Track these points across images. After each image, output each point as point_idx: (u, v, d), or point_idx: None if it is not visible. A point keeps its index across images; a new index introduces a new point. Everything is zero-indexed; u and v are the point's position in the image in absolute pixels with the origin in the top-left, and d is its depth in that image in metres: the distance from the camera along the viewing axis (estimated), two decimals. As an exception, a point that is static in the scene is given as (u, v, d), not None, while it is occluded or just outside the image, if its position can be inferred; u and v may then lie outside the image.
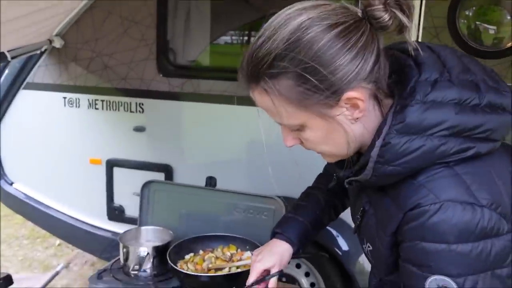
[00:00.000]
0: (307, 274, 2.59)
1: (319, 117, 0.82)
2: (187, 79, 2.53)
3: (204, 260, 1.59)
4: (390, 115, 0.80)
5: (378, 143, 0.80)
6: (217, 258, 1.61)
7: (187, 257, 1.63)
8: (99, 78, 2.67)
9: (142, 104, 2.62)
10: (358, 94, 0.79)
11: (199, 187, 1.84)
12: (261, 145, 2.42)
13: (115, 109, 2.68)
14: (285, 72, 0.78)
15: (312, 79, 0.77)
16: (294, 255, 1.24)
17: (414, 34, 2.15)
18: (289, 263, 1.24)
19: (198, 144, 2.61)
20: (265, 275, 1.19)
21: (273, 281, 1.19)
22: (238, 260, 1.59)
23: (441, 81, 0.78)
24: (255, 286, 1.19)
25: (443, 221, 0.74)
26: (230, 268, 1.53)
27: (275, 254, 1.20)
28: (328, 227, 2.40)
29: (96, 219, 2.87)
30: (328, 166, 1.35)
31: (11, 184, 3.07)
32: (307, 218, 1.25)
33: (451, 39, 2.11)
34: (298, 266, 2.60)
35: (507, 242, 0.76)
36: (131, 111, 2.65)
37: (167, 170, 2.65)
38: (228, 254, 1.63)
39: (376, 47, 0.79)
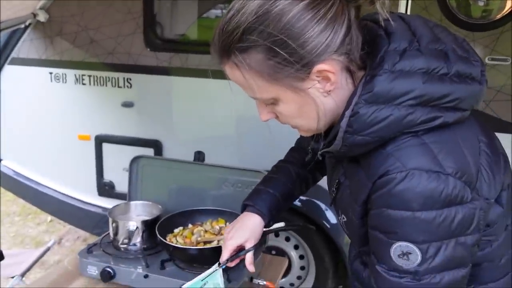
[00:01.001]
0: (296, 247, 2.64)
1: (290, 90, 0.82)
2: (175, 53, 2.50)
3: (193, 234, 1.60)
4: (360, 86, 0.80)
5: (347, 113, 0.81)
6: (206, 231, 1.63)
7: (176, 230, 1.64)
8: (86, 52, 2.63)
9: (130, 79, 2.60)
10: (329, 66, 0.79)
11: (187, 162, 1.84)
12: (249, 119, 2.43)
13: (103, 85, 2.65)
14: (254, 46, 0.78)
15: (282, 53, 0.77)
16: (266, 227, 1.25)
17: (403, 7, 2.13)
18: (263, 235, 1.24)
19: (186, 119, 2.60)
20: (238, 251, 1.20)
21: (249, 256, 1.20)
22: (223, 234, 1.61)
23: (409, 50, 0.78)
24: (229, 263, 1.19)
25: (408, 189, 0.75)
26: (218, 241, 1.54)
27: (247, 229, 1.21)
28: (316, 201, 2.47)
29: (87, 195, 2.87)
30: (301, 139, 1.35)
31: (0, 161, 3.06)
32: (278, 191, 1.25)
33: (440, 11, 2.10)
34: (287, 239, 2.64)
35: (471, 210, 0.77)
36: (119, 86, 2.63)
37: (156, 146, 2.65)
38: (217, 227, 1.65)
39: (346, 19, 0.79)
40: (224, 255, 1.19)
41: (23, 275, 2.28)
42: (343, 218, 0.96)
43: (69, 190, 2.91)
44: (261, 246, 1.65)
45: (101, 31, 2.58)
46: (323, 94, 0.83)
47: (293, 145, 1.41)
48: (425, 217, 0.76)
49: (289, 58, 0.77)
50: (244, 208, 1.26)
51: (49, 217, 4.13)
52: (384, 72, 0.77)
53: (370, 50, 0.82)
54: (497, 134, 2.20)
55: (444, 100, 0.78)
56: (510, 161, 0.90)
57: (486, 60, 2.10)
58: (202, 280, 1.10)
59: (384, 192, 0.78)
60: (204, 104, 2.54)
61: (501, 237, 0.88)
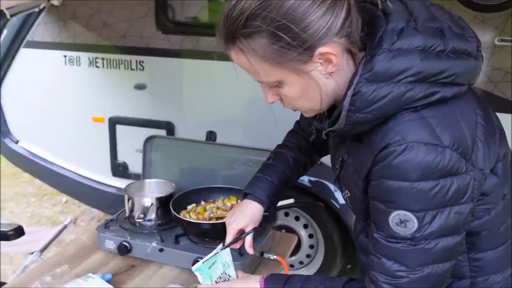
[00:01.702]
0: (305, 226, 2.69)
1: (294, 73, 0.85)
2: (186, 36, 2.53)
3: (205, 210, 1.66)
4: (361, 66, 0.83)
5: (350, 92, 0.83)
6: (218, 208, 1.68)
7: (189, 207, 1.70)
8: (99, 35, 2.68)
9: (142, 62, 2.64)
10: (331, 49, 0.82)
11: (199, 142, 1.89)
12: (258, 100, 2.47)
13: (116, 67, 2.70)
14: (258, 31, 0.81)
15: (285, 37, 0.80)
16: (266, 212, 1.31)
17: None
18: (263, 220, 1.31)
19: (198, 100, 2.65)
20: (240, 234, 1.27)
21: (248, 239, 1.27)
22: (236, 210, 1.66)
23: (407, 30, 0.81)
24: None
25: (407, 160, 0.79)
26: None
27: (247, 215, 1.27)
28: (325, 182, 2.51)
29: (101, 175, 2.95)
30: (301, 120, 1.39)
31: (17, 142, 3.14)
32: (276, 177, 1.30)
33: (450, -8, 2.10)
34: (297, 218, 2.70)
35: (465, 181, 0.81)
36: (131, 69, 2.68)
37: (169, 127, 2.70)
38: (229, 204, 1.70)
39: (346, 2, 0.82)
40: (228, 239, 1.25)
41: (42, 251, 2.37)
42: (347, 194, 1.00)
43: (84, 171, 2.99)
44: (271, 223, 1.71)
45: (113, 14, 2.62)
46: (325, 76, 0.86)
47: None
48: (422, 187, 0.80)
49: (292, 42, 0.80)
50: (244, 196, 1.32)
51: (64, 198, 4.23)
52: (383, 51, 0.80)
53: (369, 31, 0.85)
54: (505, 115, 2.22)
55: (442, 76, 0.81)
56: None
57: (496, 42, 2.11)
58: (210, 259, 1.16)
59: (384, 164, 0.82)
60: (215, 86, 2.58)
61: (499, 206, 0.92)
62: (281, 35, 0.80)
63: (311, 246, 2.72)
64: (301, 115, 1.37)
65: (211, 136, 1.88)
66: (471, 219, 0.89)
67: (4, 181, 4.67)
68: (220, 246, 1.23)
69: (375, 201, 0.87)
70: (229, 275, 1.19)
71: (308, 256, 2.73)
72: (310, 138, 1.22)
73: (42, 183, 4.55)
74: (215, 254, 1.19)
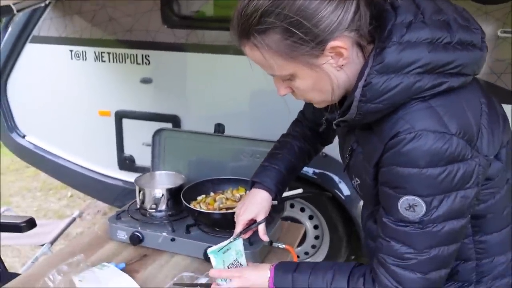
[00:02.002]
0: (310, 217, 2.73)
1: (306, 66, 0.88)
2: (191, 29, 2.56)
3: (215, 201, 1.69)
4: (371, 58, 0.86)
5: (361, 84, 0.86)
6: (227, 199, 1.72)
7: (199, 198, 1.73)
8: (104, 30, 2.70)
9: (148, 56, 2.67)
10: (341, 43, 0.85)
11: (208, 134, 1.92)
12: (265, 93, 2.50)
13: (122, 61, 2.73)
14: (272, 27, 0.84)
15: (298, 32, 0.83)
16: (274, 200, 1.34)
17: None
18: (272, 208, 1.34)
19: (204, 94, 2.68)
20: (250, 224, 1.29)
21: (261, 228, 1.29)
22: (246, 200, 1.70)
23: (415, 23, 0.84)
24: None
25: (416, 148, 0.83)
26: (239, 207, 1.63)
27: (256, 204, 1.29)
28: (330, 174, 2.54)
29: (108, 169, 2.98)
30: (305, 111, 1.42)
31: (24, 137, 3.17)
32: (282, 166, 1.33)
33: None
34: (302, 209, 2.73)
35: (471, 166, 0.85)
36: (137, 63, 2.70)
37: (175, 120, 2.73)
38: (238, 195, 1.73)
39: None
40: (238, 229, 1.28)
41: (52, 242, 2.41)
42: (357, 181, 1.04)
43: (91, 164, 3.02)
44: (280, 213, 1.75)
45: (119, 8, 2.64)
46: (336, 69, 0.89)
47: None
48: (431, 173, 0.83)
49: (304, 37, 0.83)
50: (252, 185, 1.35)
51: (70, 192, 4.27)
52: (393, 44, 0.83)
53: (377, 24, 0.88)
54: (507, 105, 2.25)
55: (449, 67, 0.84)
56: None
57: (498, 33, 2.13)
58: (225, 246, 1.19)
59: (394, 151, 0.86)
60: (220, 79, 2.60)
61: (502, 190, 0.96)
62: (294, 30, 0.83)
63: (316, 237, 2.76)
64: (305, 105, 1.41)
65: (219, 128, 1.91)
66: (476, 203, 0.92)
67: (8, 176, 4.72)
68: (231, 238, 1.26)
69: (385, 187, 0.91)
70: (240, 263, 1.22)
71: (313, 246, 2.77)
72: (319, 128, 1.26)
73: (46, 177, 4.61)
74: (230, 242, 1.22)
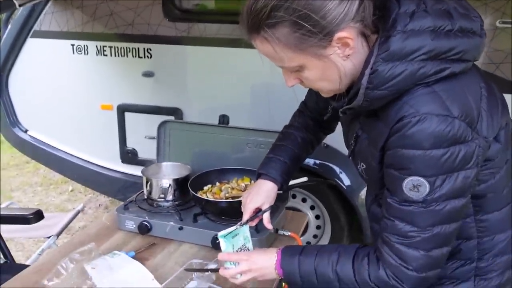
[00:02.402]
0: (312, 207, 2.77)
1: (314, 57, 0.92)
2: (193, 23, 2.58)
3: (221, 190, 1.73)
4: (376, 47, 0.90)
5: (367, 71, 0.90)
6: (233, 188, 1.75)
7: (205, 188, 1.76)
8: (106, 24, 2.71)
9: (150, 50, 2.69)
10: (347, 33, 0.89)
11: (212, 125, 1.95)
12: (265, 85, 2.53)
13: (124, 55, 2.74)
14: (281, 21, 0.88)
15: (306, 25, 0.87)
16: (280, 190, 1.38)
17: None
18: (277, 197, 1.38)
19: (205, 87, 2.70)
20: (257, 212, 1.33)
21: (266, 216, 1.33)
22: (252, 189, 1.73)
23: (418, 12, 0.88)
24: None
25: (420, 130, 0.87)
26: (245, 196, 1.66)
27: (262, 193, 1.33)
28: (331, 164, 2.58)
29: (110, 162, 3.01)
30: (306, 101, 1.46)
31: (26, 131, 3.19)
32: (286, 156, 1.37)
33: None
34: (304, 200, 2.77)
35: (471, 148, 0.89)
36: (139, 57, 2.72)
37: (177, 113, 2.76)
38: (243, 185, 1.77)
39: None
40: (245, 217, 1.32)
41: (58, 235, 2.43)
42: (363, 166, 1.07)
43: (93, 158, 3.04)
44: (284, 202, 1.78)
45: (120, 2, 2.65)
46: (343, 58, 0.93)
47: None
48: (434, 154, 0.87)
49: (312, 30, 0.87)
50: (258, 176, 1.39)
51: (71, 187, 4.30)
52: (398, 32, 0.87)
53: (381, 14, 0.92)
54: (506, 95, 2.28)
55: (451, 53, 0.88)
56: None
57: (497, 24, 2.17)
58: (234, 231, 1.23)
59: (400, 134, 0.90)
60: (221, 72, 2.63)
61: (502, 170, 1.00)
62: (303, 23, 0.87)
63: (318, 227, 2.80)
64: (307, 96, 1.45)
65: (223, 119, 1.93)
66: (476, 183, 0.96)
67: (9, 172, 4.74)
68: (238, 225, 1.29)
69: (390, 169, 0.95)
70: (248, 248, 1.26)
71: (315, 236, 2.81)
72: (323, 117, 1.30)
73: (47, 173, 4.64)
74: (237, 228, 1.25)
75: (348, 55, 0.93)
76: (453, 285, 1.07)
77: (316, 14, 0.86)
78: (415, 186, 0.90)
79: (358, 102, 0.95)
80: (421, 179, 0.89)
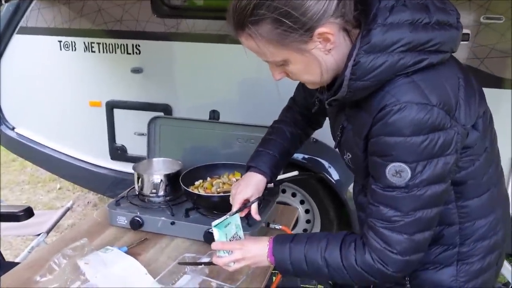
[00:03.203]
0: (302, 202, 2.80)
1: (297, 52, 0.96)
2: (181, 19, 2.58)
3: (212, 185, 1.74)
4: (359, 40, 0.94)
5: (350, 63, 0.94)
6: (224, 183, 1.76)
7: (196, 183, 1.78)
8: (94, 20, 2.70)
9: (139, 46, 2.68)
10: (328, 29, 0.93)
11: (202, 121, 1.96)
12: (254, 81, 2.54)
13: (112, 52, 2.73)
14: (264, 18, 0.92)
15: (287, 22, 0.91)
16: (268, 183, 1.41)
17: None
18: (265, 190, 1.40)
19: (195, 83, 2.70)
20: (245, 204, 1.34)
21: (254, 207, 1.35)
22: (243, 184, 1.75)
23: (397, 6, 0.93)
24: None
25: (401, 118, 0.91)
26: (237, 190, 1.68)
27: (251, 185, 1.36)
28: (320, 159, 2.61)
29: (100, 159, 2.99)
30: (295, 96, 1.49)
31: (13, 129, 3.16)
32: (276, 150, 1.41)
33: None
34: (293, 195, 2.79)
35: (450, 135, 0.93)
36: (128, 53, 2.71)
37: (166, 110, 2.76)
38: (234, 179, 1.78)
39: None
40: (234, 207, 1.34)
41: (48, 232, 2.42)
42: (348, 156, 1.11)
43: (82, 155, 3.03)
44: (275, 196, 1.80)
45: (108, -2, 2.64)
46: (325, 53, 0.97)
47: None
48: (415, 141, 0.91)
49: (293, 26, 0.91)
50: (248, 169, 1.42)
51: (59, 185, 4.27)
52: (378, 25, 0.91)
53: (362, 9, 0.96)
54: (490, 89, 2.34)
55: (429, 45, 0.92)
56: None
57: (481, 19, 2.21)
58: (226, 220, 1.25)
59: (382, 122, 0.94)
60: (211, 68, 2.63)
61: (481, 158, 1.04)
62: (284, 20, 0.91)
63: (308, 221, 2.82)
64: (296, 91, 1.48)
65: (214, 115, 1.95)
66: (456, 169, 1.01)
67: (-6, 170, 4.68)
68: (227, 215, 1.31)
69: (374, 156, 0.99)
70: (239, 236, 1.28)
71: (305, 230, 2.84)
72: (311, 111, 1.32)
73: (34, 171, 4.59)
74: (227, 217, 1.27)
75: (330, 50, 0.97)
76: (436, 269, 1.12)
77: (296, 11, 0.90)
78: (397, 172, 0.94)
79: (342, 93, 0.99)
80: (403, 165, 0.93)
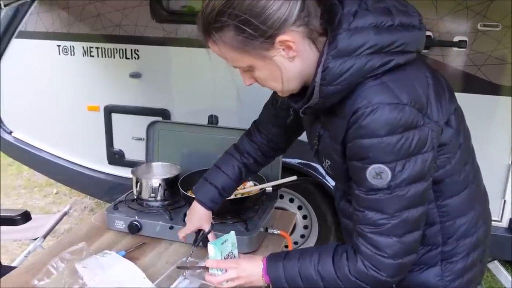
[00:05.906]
0: (299, 207, 2.80)
1: (259, 59, 0.98)
2: (180, 24, 2.59)
3: (210, 190, 1.74)
4: (326, 47, 0.95)
5: (319, 69, 0.96)
6: (222, 188, 1.76)
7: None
8: (93, 25, 2.71)
9: (137, 51, 2.69)
10: (289, 37, 0.94)
11: (201, 125, 1.96)
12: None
13: (111, 56, 2.74)
14: (226, 25, 0.94)
15: (248, 29, 0.93)
16: (214, 213, 1.48)
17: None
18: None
19: (193, 88, 2.71)
20: (199, 231, 1.45)
21: (210, 235, 1.45)
22: (242, 189, 1.76)
23: (360, 11, 0.95)
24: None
25: (374, 120, 0.93)
26: (235, 195, 1.69)
27: (198, 216, 1.44)
28: (316, 165, 2.60)
29: (97, 163, 2.99)
30: (261, 116, 1.50)
31: (10, 133, 3.15)
32: (220, 183, 1.44)
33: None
34: (291, 200, 2.80)
35: (425, 132, 0.95)
36: (126, 58, 2.72)
37: (164, 114, 2.76)
38: (232, 184, 1.78)
39: None
40: (181, 234, 1.46)
41: (45, 236, 2.41)
42: (327, 163, 1.12)
43: (80, 160, 3.02)
44: (273, 202, 1.80)
45: (107, 3, 2.65)
46: (288, 60, 0.98)
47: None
48: (390, 141, 0.93)
49: (254, 33, 0.93)
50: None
51: (55, 189, 4.25)
52: (343, 30, 0.93)
53: (328, 17, 0.98)
54: (487, 96, 2.35)
55: (393, 46, 0.94)
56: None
57: (478, 27, 2.23)
58: (223, 237, 1.27)
59: (356, 126, 0.95)
60: (209, 73, 2.64)
61: (457, 155, 1.06)
62: (244, 28, 0.93)
63: (305, 227, 2.82)
64: (262, 111, 1.50)
65: (212, 119, 1.95)
66: (435, 166, 1.02)
67: (-10, 175, 4.66)
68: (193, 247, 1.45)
69: (353, 161, 1.00)
70: (234, 255, 1.30)
71: (302, 236, 2.84)
72: (287, 120, 1.37)
73: (30, 175, 4.58)
74: (226, 234, 1.29)
75: (293, 57, 0.98)
76: (421, 270, 1.13)
77: (257, 19, 0.92)
78: (378, 174, 0.95)
79: (314, 99, 1.00)
80: (382, 166, 0.95)
